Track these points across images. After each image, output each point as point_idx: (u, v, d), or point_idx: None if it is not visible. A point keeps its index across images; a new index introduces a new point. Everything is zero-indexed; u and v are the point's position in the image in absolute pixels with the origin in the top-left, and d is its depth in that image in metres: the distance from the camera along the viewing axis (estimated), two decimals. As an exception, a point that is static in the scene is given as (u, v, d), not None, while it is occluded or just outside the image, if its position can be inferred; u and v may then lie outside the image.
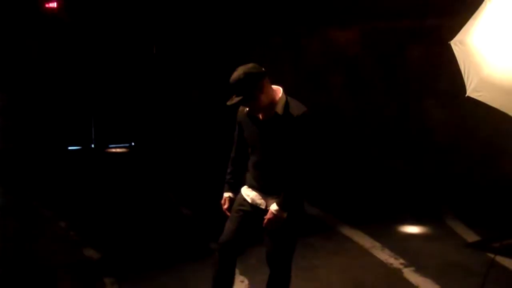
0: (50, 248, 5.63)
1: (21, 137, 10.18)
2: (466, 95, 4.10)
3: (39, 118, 10.31)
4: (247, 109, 3.56)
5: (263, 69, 3.44)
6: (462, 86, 4.21)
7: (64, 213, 6.71)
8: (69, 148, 10.76)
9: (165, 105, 11.20)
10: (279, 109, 3.45)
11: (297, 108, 3.47)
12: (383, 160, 8.54)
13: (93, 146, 11.00)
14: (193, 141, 11.10)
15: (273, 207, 3.51)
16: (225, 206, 3.81)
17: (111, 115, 11.07)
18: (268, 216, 3.53)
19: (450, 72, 5.33)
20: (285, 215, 3.51)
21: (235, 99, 3.40)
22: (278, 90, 3.51)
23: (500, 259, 4.96)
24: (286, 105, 3.47)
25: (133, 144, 11.34)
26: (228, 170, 3.88)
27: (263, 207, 3.61)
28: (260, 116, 3.53)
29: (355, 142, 9.12)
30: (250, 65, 3.42)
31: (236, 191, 3.80)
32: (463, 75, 4.14)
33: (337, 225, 6.30)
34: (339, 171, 8.62)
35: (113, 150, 11.02)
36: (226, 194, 3.83)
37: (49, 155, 9.99)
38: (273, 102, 3.46)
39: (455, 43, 4.12)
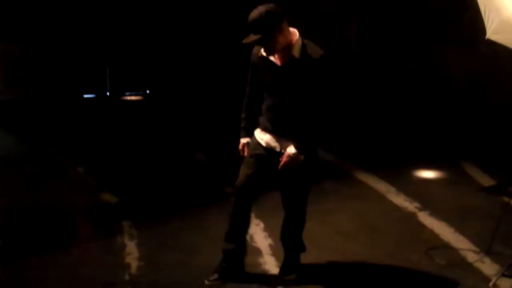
0: (69, 194, 5.72)
1: (37, 86, 10.23)
2: (486, 37, 3.99)
3: (54, 67, 10.34)
4: (262, 51, 3.49)
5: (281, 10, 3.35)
6: (482, 30, 4.11)
7: (81, 159, 6.79)
8: (85, 96, 10.81)
9: (179, 52, 11.13)
10: (296, 52, 3.39)
11: (314, 51, 3.40)
12: (400, 107, 8.47)
13: (108, 94, 11.03)
14: (208, 88, 11.08)
15: (291, 150, 3.50)
16: (245, 153, 3.79)
17: (126, 63, 11.05)
18: (284, 158, 3.52)
19: (470, 16, 5.22)
20: (302, 157, 3.50)
21: (253, 37, 3.30)
22: (295, 33, 3.43)
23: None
24: (303, 48, 3.40)
25: (148, 92, 11.35)
26: (243, 116, 3.83)
27: (278, 149, 3.61)
28: (276, 59, 3.47)
29: (371, 89, 9.03)
30: (270, 4, 3.32)
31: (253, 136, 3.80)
32: (483, 17, 4.03)
33: (352, 170, 6.32)
34: (355, 118, 8.58)
35: (128, 98, 11.05)
36: (244, 140, 3.81)
37: (65, 103, 10.05)
38: (290, 45, 3.38)
39: (474, -16, 4.00)
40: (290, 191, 3.73)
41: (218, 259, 3.91)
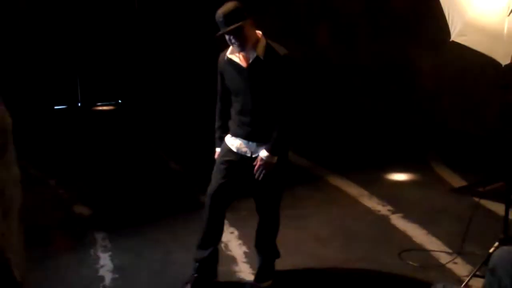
0: (41, 206, 5.63)
1: (6, 96, 10.06)
2: (451, 40, 4.06)
3: (24, 77, 10.19)
4: (227, 54, 3.54)
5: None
6: (447, 31, 4.19)
7: (53, 171, 6.70)
8: (56, 107, 10.68)
9: (152, 61, 11.08)
10: (260, 52, 3.44)
11: (278, 50, 3.46)
12: (370, 109, 8.55)
13: (79, 104, 10.91)
14: (181, 97, 11.04)
15: (263, 153, 3.52)
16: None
17: (97, 73, 10.94)
18: (258, 162, 3.54)
19: (435, 18, 5.30)
20: (275, 160, 3.53)
21: (229, 28, 3.34)
22: (259, 33, 3.50)
23: (485, 202, 5.04)
24: (267, 48, 3.45)
25: (120, 101, 11.26)
26: (217, 125, 3.85)
27: (249, 154, 3.63)
28: (241, 61, 3.51)
29: (342, 91, 9.10)
30: (236, 1, 3.41)
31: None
32: (447, 20, 4.10)
33: (325, 174, 6.34)
34: (327, 121, 8.63)
35: (100, 108, 10.95)
36: (220, 149, 3.82)
37: (35, 115, 9.91)
38: (255, 44, 3.44)
39: (438, -14, 4.06)
40: (263, 196, 3.74)
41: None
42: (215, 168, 3.76)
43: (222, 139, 3.82)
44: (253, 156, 3.60)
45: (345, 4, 8.80)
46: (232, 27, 3.33)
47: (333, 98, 9.16)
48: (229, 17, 3.34)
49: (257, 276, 3.92)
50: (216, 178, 3.73)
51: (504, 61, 3.94)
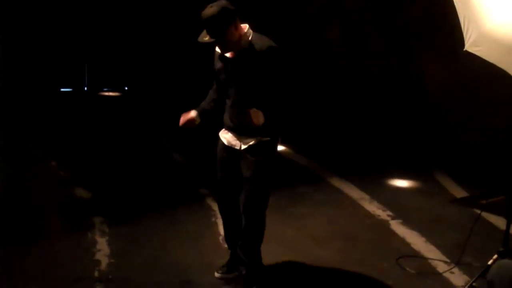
0: (41, 188, 5.64)
1: (15, 77, 10.06)
2: (464, 49, 4.02)
3: (32, 58, 10.19)
4: (217, 48, 3.53)
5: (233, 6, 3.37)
6: (460, 41, 4.17)
7: (55, 153, 6.70)
8: (62, 89, 10.68)
9: (160, 51, 11.06)
10: (245, 44, 3.41)
11: (262, 42, 3.42)
12: (378, 114, 8.53)
13: (85, 88, 10.92)
14: (187, 88, 11.02)
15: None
16: (187, 116, 3.77)
17: (105, 59, 10.95)
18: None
19: (449, 26, 5.27)
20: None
21: (208, 38, 3.30)
22: (245, 26, 3.46)
23: (486, 215, 5.02)
24: (253, 40, 3.42)
25: (126, 89, 11.26)
26: (206, 99, 3.87)
27: (238, 147, 3.62)
28: (229, 54, 3.49)
29: (351, 96, 9.08)
30: (223, 2, 3.33)
31: (204, 117, 3.78)
32: (462, 29, 4.06)
33: (328, 176, 6.33)
34: (333, 123, 8.61)
35: (106, 94, 10.94)
36: (193, 112, 3.79)
37: (41, 96, 9.91)
38: (240, 38, 3.40)
39: (456, -5, 4.03)
40: (249, 191, 3.60)
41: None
42: (216, 165, 3.77)
43: (202, 108, 3.81)
44: (242, 148, 3.59)
45: (357, 8, 8.77)
46: (207, 39, 3.30)
47: (343, 101, 9.14)
48: (211, 25, 3.28)
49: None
50: (218, 176, 3.77)
51: (517, 75, 3.92)
